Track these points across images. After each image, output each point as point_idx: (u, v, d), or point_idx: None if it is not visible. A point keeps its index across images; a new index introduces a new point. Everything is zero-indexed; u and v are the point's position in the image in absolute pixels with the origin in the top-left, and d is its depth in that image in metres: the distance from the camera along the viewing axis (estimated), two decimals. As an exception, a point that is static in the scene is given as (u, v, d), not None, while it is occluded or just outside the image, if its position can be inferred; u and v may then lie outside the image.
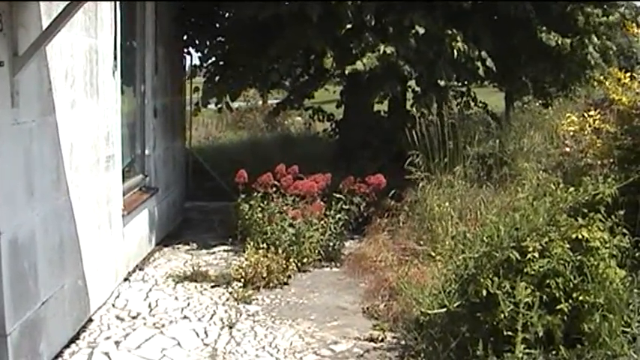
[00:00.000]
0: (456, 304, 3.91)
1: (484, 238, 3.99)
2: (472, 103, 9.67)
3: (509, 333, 3.61)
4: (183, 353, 4.64)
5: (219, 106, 8.76)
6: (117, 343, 4.78)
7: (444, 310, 3.97)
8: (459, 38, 7.29)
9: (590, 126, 5.68)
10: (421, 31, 7.16)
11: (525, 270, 3.74)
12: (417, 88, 7.92)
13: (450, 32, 7.31)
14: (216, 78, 8.43)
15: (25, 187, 4.03)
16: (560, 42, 7.59)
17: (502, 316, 3.65)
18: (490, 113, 10.03)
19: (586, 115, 5.80)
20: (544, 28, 7.71)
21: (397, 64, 7.25)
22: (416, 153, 7.06)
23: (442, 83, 7.47)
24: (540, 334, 3.60)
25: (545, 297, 3.67)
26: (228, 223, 7.46)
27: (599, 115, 5.65)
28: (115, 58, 5.75)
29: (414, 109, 7.89)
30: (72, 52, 4.71)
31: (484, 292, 3.74)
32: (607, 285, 3.68)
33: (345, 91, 9.67)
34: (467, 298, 3.89)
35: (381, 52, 7.09)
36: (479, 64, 7.44)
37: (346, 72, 7.38)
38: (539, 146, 7.84)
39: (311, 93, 9.25)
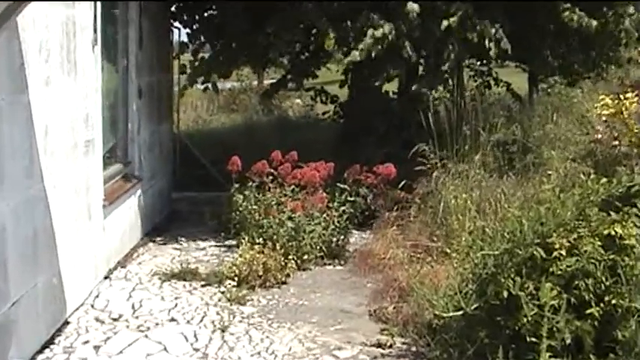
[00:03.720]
0: (473, 307, 3.92)
1: (505, 234, 3.99)
2: (493, 84, 9.62)
3: (533, 339, 3.61)
4: (171, 359, 4.64)
5: (204, 85, 8.73)
6: (96, 347, 4.77)
7: (460, 313, 3.98)
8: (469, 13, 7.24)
9: (626, 110, 5.63)
10: (416, 7, 7.12)
11: (551, 269, 3.73)
12: (423, 70, 7.91)
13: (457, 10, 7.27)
14: (206, 55, 8.40)
15: (-6, 173, 4.01)
16: (585, 23, 7.50)
17: (525, 320, 3.64)
18: (514, 94, 9.98)
19: (622, 97, 5.74)
20: (568, 5, 7.63)
21: (399, 45, 7.23)
22: (429, 139, 7.03)
23: (445, 67, 7.44)
24: (568, 341, 3.60)
25: (573, 300, 3.66)
26: (220, 215, 7.48)
27: (636, 98, 5.60)
28: (95, 30, 5.72)
29: (421, 91, 7.87)
30: (47, 23, 4.67)
31: (505, 294, 3.74)
32: (643, 287, 3.67)
33: (349, 71, 9.64)
34: (486, 300, 3.89)
35: (380, 34, 7.07)
36: (491, 44, 7.38)
37: (345, 61, 7.42)
38: (567, 132, 7.81)
39: (312, 72, 9.21)
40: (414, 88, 7.90)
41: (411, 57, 7.49)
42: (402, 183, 7.18)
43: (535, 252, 3.77)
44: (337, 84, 10.49)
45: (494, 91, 9.94)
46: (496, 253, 3.93)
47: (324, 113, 11.48)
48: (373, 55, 7.15)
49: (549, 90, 10.29)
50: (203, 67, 8.34)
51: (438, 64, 7.57)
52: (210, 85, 8.77)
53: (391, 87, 9.73)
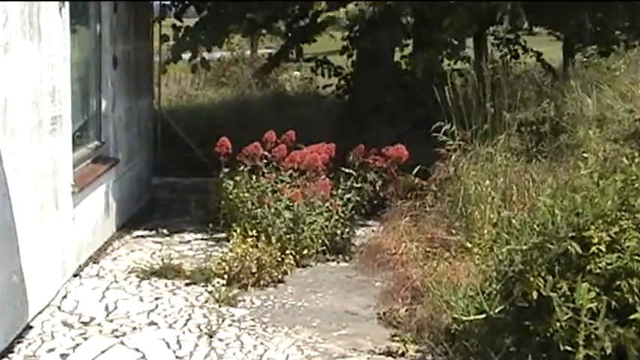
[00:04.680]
0: (497, 310, 3.91)
1: (535, 226, 3.97)
2: (521, 53, 9.59)
3: (568, 348, 3.59)
4: (150, 369, 4.66)
5: (193, 62, 8.71)
6: (63, 356, 4.75)
7: (483, 316, 3.97)
8: None
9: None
10: None
11: (588, 267, 3.71)
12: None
13: None
14: (191, 22, 8.39)
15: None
16: None
17: (558, 325, 3.63)
18: (545, 65, 9.95)
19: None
20: None
21: (396, 10, 7.21)
22: (446, 117, 7.01)
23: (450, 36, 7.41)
24: (608, 350, 3.58)
25: (614, 303, 3.63)
26: (207, 204, 7.49)
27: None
28: (63, -10, 5.69)
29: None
30: (5, -19, 4.63)
31: (534, 295, 3.73)
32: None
33: (354, 38, 9.61)
34: (512, 302, 3.88)
35: None
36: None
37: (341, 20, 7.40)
38: (607, 110, 7.79)
39: (311, 37, 9.19)
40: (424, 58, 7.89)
41: (409, 23, 7.48)
42: (416, 167, 7.16)
43: (570, 247, 3.74)
44: (342, 54, 10.47)
45: (523, 62, 9.91)
46: (524, 248, 3.91)
47: (324, 87, 11.47)
48: (367, 17, 7.12)
49: (587, 61, 10.26)
50: (188, 38, 8.31)
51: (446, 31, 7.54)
52: (198, 61, 8.73)
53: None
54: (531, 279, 3.76)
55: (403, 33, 7.75)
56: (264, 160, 6.89)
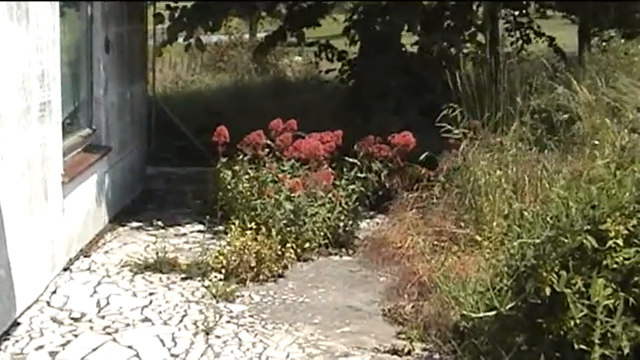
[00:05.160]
0: (509, 306, 3.90)
1: (548, 219, 3.97)
2: (533, 38, 9.58)
3: (583, 347, 3.60)
4: (143, 367, 4.66)
5: (187, 42, 8.70)
6: (52, 354, 4.75)
7: (493, 313, 3.97)
8: None
9: None
10: None
11: (605, 262, 3.71)
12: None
13: None
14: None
15: None
16: None
17: (572, 323, 3.63)
18: (557, 50, 9.93)
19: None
20: None
21: None
22: (455, 104, 7.00)
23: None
24: (626, 350, 3.58)
25: (632, 300, 3.63)
26: (204, 195, 7.52)
27: None
28: (52, -31, 5.68)
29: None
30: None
31: (547, 291, 3.73)
32: None
33: (356, 21, 9.58)
34: (524, 299, 3.88)
35: None
36: None
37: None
38: (625, 97, 7.76)
39: (314, 20, 9.18)
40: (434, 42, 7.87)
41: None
42: (423, 157, 7.16)
43: (585, 241, 3.75)
44: (346, 37, 10.45)
45: (536, 47, 9.89)
46: (537, 241, 3.91)
47: (327, 71, 11.45)
48: None
49: (604, 45, 10.23)
50: (184, 19, 8.30)
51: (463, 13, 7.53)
52: (193, 42, 8.72)
53: (410, 40, 9.68)
54: (544, 274, 3.76)
55: (418, 14, 7.67)
56: (265, 149, 6.88)
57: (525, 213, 4.27)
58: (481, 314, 4.04)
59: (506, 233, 4.33)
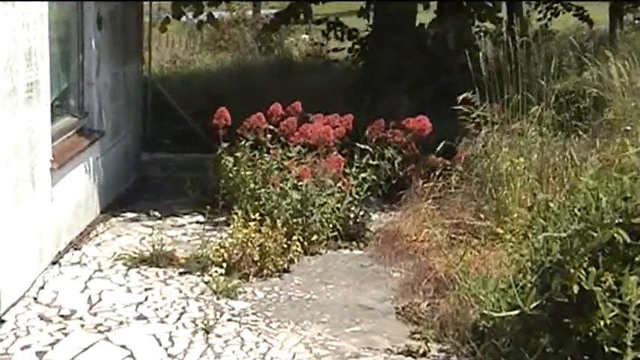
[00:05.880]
0: (533, 305, 3.89)
1: (576, 211, 3.96)
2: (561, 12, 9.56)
3: (613, 350, 3.58)
4: (138, 368, 4.68)
5: (197, 19, 8.69)
6: (40, 354, 4.75)
7: (516, 312, 3.95)
8: None
9: None
10: None
11: (638, 258, 3.69)
12: None
13: None
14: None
15: None
16: None
17: (602, 324, 3.61)
18: (587, 19, 9.88)
19: None
20: None
21: None
22: (475, 87, 6.99)
23: None
24: (661, 352, 3.58)
25: (668, 298, 3.62)
26: (203, 183, 7.51)
27: None
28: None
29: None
30: None
31: (575, 289, 3.71)
32: None
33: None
34: (549, 297, 3.87)
35: None
36: None
37: None
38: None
39: None
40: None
41: None
42: (440, 143, 7.14)
43: (616, 235, 3.72)
44: (356, 14, 10.44)
45: (563, 25, 9.86)
46: (563, 235, 3.90)
47: (334, 50, 11.43)
48: None
49: (638, 23, 10.20)
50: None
51: None
52: (205, 18, 8.68)
53: (427, 18, 9.65)
54: (572, 271, 3.74)
55: None
56: (270, 134, 6.89)
57: (551, 204, 4.25)
58: (503, 313, 4.02)
59: (530, 226, 4.32)
